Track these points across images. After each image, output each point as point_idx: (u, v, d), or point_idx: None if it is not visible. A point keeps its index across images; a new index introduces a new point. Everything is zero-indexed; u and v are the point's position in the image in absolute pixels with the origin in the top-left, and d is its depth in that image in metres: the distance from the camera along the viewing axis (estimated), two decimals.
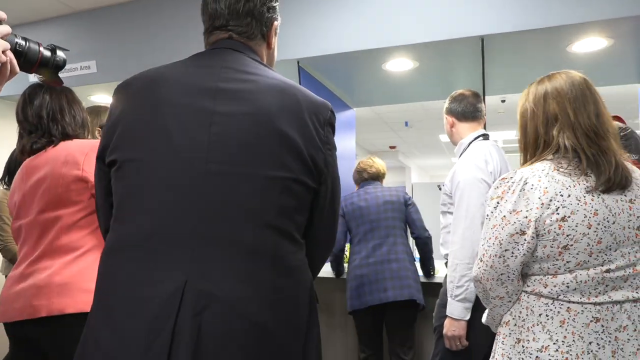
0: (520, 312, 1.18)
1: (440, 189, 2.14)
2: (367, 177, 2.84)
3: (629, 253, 1.13)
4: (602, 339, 1.10)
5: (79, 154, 1.47)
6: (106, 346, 0.86)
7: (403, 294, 2.49)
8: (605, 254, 1.11)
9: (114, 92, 1.03)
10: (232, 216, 0.89)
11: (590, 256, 1.11)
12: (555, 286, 1.13)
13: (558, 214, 1.11)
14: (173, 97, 0.95)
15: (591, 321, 1.10)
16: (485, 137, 2.05)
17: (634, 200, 1.15)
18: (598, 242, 1.11)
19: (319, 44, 2.79)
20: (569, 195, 1.12)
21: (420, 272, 2.73)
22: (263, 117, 0.93)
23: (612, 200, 1.13)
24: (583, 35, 2.52)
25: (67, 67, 1.09)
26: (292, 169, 0.93)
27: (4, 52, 0.85)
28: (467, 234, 1.80)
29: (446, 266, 1.93)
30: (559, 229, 1.11)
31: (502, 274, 1.17)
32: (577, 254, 1.11)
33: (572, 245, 1.11)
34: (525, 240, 1.13)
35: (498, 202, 1.19)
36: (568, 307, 1.12)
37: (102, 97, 3.73)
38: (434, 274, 2.74)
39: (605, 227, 1.11)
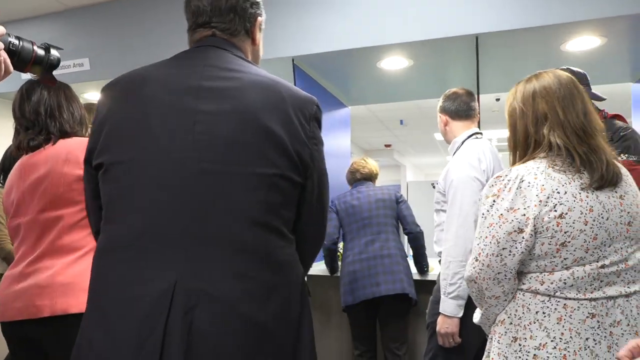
0: (516, 310, 1.18)
1: (434, 187, 2.15)
2: (359, 178, 2.89)
3: (621, 248, 1.14)
4: (598, 334, 1.10)
5: (81, 153, 1.45)
6: (99, 347, 0.87)
7: (395, 288, 2.52)
8: (600, 250, 1.13)
9: (100, 92, 1.03)
10: (221, 214, 0.89)
11: (587, 252, 1.12)
12: (552, 283, 1.13)
13: (556, 211, 1.12)
14: (157, 97, 0.95)
15: (587, 317, 1.11)
16: (479, 135, 2.06)
17: (624, 196, 1.17)
18: (594, 238, 1.12)
19: (314, 41, 2.79)
20: (566, 193, 1.13)
21: (414, 270, 2.77)
22: (247, 114, 0.93)
23: (605, 197, 1.15)
24: (577, 34, 2.54)
25: (60, 64, 1.08)
26: (278, 165, 0.93)
27: None
28: (460, 231, 1.81)
29: (440, 264, 1.94)
30: (557, 226, 1.11)
31: (498, 273, 1.17)
32: (575, 250, 1.12)
33: (569, 242, 1.11)
34: (523, 238, 1.13)
35: (494, 201, 1.19)
36: (565, 304, 1.12)
37: (96, 95, 3.71)
38: (427, 270, 2.76)
39: (600, 223, 1.12)
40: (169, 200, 0.89)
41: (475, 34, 2.53)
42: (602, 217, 1.13)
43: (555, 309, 1.13)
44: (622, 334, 1.11)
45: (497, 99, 5.44)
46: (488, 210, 1.20)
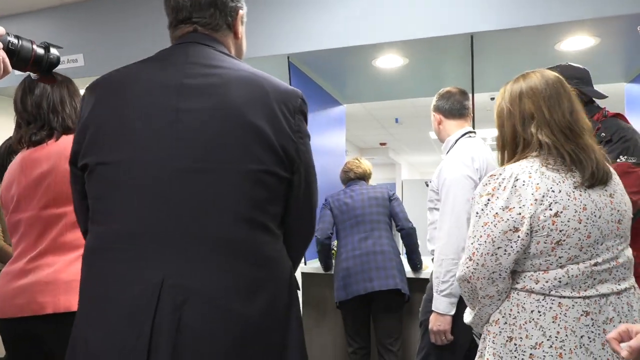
0: (511, 309, 1.18)
1: (427, 185, 2.16)
2: (353, 177, 2.92)
3: (613, 246, 1.16)
4: (592, 332, 1.11)
5: None
6: (90, 346, 0.87)
7: (388, 284, 2.54)
8: (594, 248, 1.14)
9: (84, 92, 1.02)
10: (207, 212, 0.89)
11: (581, 250, 1.13)
12: (547, 282, 1.14)
13: (551, 209, 1.12)
14: (140, 97, 0.95)
15: (581, 315, 1.12)
16: (472, 134, 2.06)
17: (614, 194, 1.19)
18: (588, 236, 1.13)
19: (309, 39, 2.79)
20: (560, 191, 1.14)
21: (407, 267, 2.79)
22: (231, 110, 0.93)
23: (596, 195, 1.16)
24: (571, 34, 2.55)
25: (60, 63, 1.07)
26: (264, 160, 0.93)
27: None
28: (453, 230, 1.82)
29: (433, 262, 1.95)
30: (553, 224, 1.12)
31: (493, 272, 1.17)
32: (569, 248, 1.13)
33: (564, 240, 1.12)
34: (519, 237, 1.14)
35: (489, 200, 1.19)
36: (559, 303, 1.13)
37: None
38: (420, 267, 2.78)
39: (593, 221, 1.13)
40: (155, 200, 0.89)
41: (471, 33, 2.53)
42: (595, 216, 1.14)
43: (551, 307, 1.13)
44: None
45: (492, 98, 5.45)
46: (482, 209, 1.20)
